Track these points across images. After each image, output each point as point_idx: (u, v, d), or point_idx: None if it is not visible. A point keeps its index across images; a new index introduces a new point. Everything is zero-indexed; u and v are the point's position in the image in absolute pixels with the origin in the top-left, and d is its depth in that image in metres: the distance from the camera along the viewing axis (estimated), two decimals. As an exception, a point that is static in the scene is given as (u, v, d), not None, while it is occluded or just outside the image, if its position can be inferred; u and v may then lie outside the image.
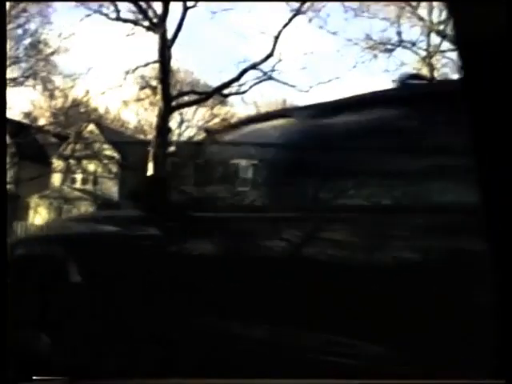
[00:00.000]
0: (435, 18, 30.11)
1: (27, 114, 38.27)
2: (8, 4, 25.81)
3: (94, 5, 26.08)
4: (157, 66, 26.58)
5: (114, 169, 40.47)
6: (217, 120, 46.20)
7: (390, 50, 31.66)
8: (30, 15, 30.25)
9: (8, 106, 26.69)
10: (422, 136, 3.20)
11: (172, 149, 38.41)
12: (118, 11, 26.30)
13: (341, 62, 50.07)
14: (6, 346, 2.33)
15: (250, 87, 28.40)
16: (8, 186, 29.24)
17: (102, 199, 41.06)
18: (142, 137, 42.91)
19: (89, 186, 41.76)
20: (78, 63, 75.38)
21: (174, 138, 44.50)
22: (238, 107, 70.41)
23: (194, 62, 74.15)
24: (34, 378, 3.11)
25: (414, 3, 29.13)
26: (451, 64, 31.54)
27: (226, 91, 29.56)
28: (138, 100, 41.91)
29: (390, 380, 2.55)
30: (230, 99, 35.95)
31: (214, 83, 35.80)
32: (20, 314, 3.99)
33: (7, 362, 2.41)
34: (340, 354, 2.87)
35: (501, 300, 1.49)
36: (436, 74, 31.60)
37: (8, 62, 28.36)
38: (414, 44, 31.18)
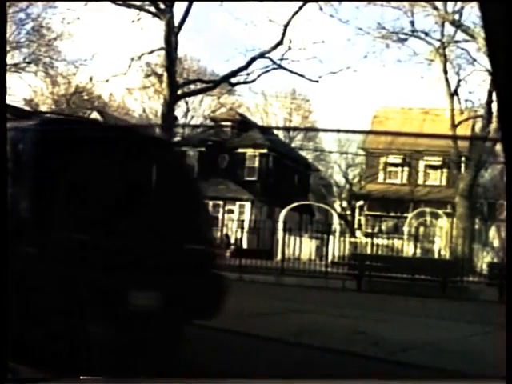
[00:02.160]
0: (450, 8, 29.40)
1: (29, 101, 37.63)
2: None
3: (99, -11, 25.54)
4: (163, 53, 26.11)
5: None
6: (223, 109, 45.56)
7: (403, 40, 31.01)
8: (32, -1, 29.40)
9: (8, 92, 25.99)
10: None
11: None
12: (123, -4, 25.80)
13: (352, 51, 49.44)
14: (6, 345, 2.35)
15: (259, 76, 27.91)
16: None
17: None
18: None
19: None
20: (82, 49, 74.61)
21: (180, 126, 43.84)
22: (246, 96, 69.66)
23: (201, 50, 73.53)
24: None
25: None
26: (465, 55, 30.89)
27: (233, 80, 29.11)
28: (143, 88, 41.31)
29: (390, 380, 2.75)
30: (238, 88, 35.31)
31: (222, 72, 35.22)
32: None
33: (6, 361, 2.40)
34: None
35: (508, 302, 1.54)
36: (449, 65, 30.94)
37: (9, 47, 27.67)
38: (427, 34, 30.50)
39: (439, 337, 8.86)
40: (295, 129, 52.88)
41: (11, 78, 29.78)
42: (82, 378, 3.39)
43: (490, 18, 1.63)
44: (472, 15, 28.78)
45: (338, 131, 33.54)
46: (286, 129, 51.43)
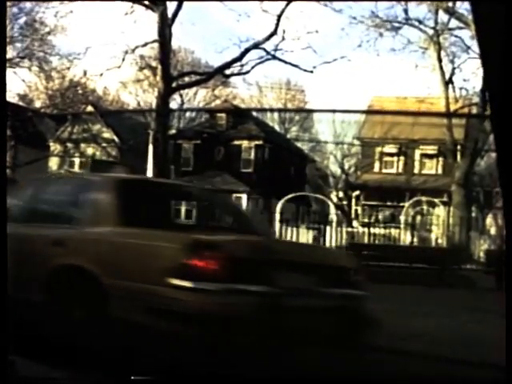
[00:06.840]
0: (443, -5, 29.34)
1: (23, 96, 37.53)
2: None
3: (91, -18, 25.44)
4: (156, 45, 26.04)
5: (113, 152, 39.82)
6: (218, 101, 45.48)
7: (397, 29, 30.95)
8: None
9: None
10: None
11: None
12: (115, -11, 25.74)
13: (346, 40, 49.27)
14: (6, 344, 2.34)
15: (253, 67, 27.86)
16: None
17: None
18: (141, 119, 42.13)
19: (87, 170, 41.13)
20: (76, 43, 74.32)
21: (175, 119, 43.77)
22: (241, 88, 69.54)
23: (195, 42, 73.33)
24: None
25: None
26: (459, 42, 30.86)
27: (227, 71, 29.03)
28: (138, 81, 41.17)
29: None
30: (232, 80, 35.27)
31: (216, 63, 35.10)
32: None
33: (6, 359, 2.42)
34: None
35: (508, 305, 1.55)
36: (443, 53, 30.91)
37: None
38: (420, 22, 30.47)
39: (438, 324, 8.88)
40: (287, 110, 52.83)
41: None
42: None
43: (481, 16, 1.63)
44: (465, 3, 28.78)
45: (334, 111, 33.59)
46: (280, 110, 51.38)
